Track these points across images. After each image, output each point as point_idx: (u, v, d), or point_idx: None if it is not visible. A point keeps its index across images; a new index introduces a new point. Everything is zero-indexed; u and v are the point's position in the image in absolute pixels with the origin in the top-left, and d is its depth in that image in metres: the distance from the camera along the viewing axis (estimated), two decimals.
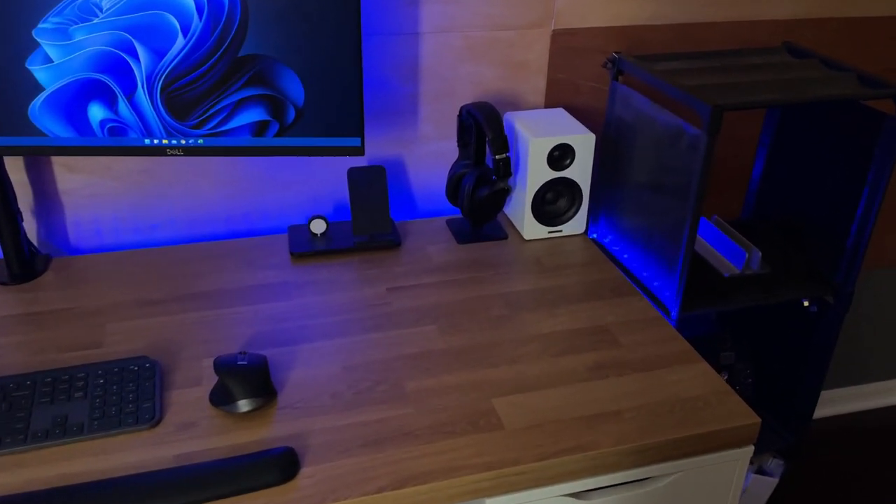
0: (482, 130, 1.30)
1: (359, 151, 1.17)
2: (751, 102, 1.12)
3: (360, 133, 1.16)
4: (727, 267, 1.36)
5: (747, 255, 1.34)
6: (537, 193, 1.35)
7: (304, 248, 1.33)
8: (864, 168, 1.25)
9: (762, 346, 1.56)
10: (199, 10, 1.03)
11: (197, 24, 1.04)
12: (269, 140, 1.14)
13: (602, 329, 1.16)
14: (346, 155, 1.16)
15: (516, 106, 1.49)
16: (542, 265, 1.32)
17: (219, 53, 1.06)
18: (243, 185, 1.41)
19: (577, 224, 1.41)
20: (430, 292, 1.23)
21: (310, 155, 1.15)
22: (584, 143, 1.33)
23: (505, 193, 1.36)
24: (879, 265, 1.89)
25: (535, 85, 1.48)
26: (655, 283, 1.30)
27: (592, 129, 1.52)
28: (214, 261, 1.30)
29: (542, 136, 1.31)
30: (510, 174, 1.31)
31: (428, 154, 1.49)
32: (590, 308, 1.21)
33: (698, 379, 1.05)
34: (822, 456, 2.00)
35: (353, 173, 1.34)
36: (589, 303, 1.22)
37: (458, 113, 1.40)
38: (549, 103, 1.50)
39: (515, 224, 1.43)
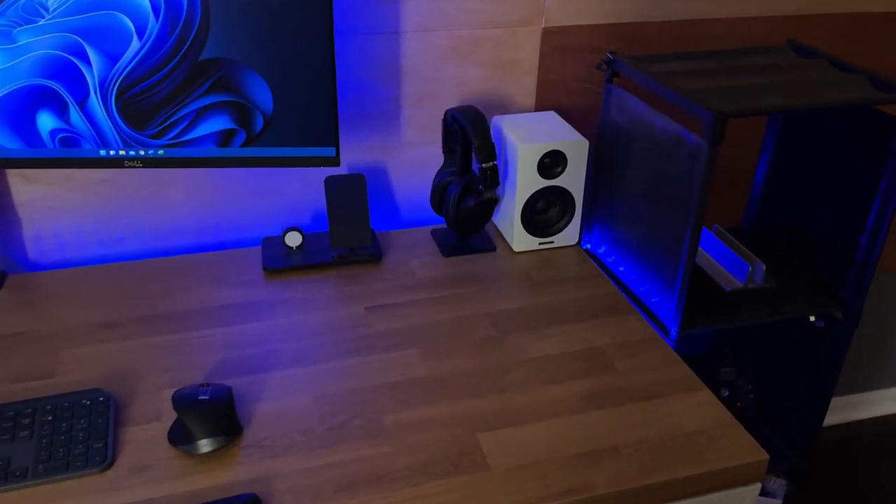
0: (468, 137, 1.21)
1: (334, 162, 1.09)
2: (756, 108, 1.04)
3: (335, 142, 1.07)
4: (729, 280, 1.28)
5: (750, 268, 1.26)
6: (527, 203, 1.27)
7: (278, 262, 1.24)
8: (876, 176, 1.17)
9: (764, 361, 1.49)
10: (156, 10, 0.94)
11: (153, 25, 0.95)
12: (235, 150, 1.05)
13: (596, 352, 1.08)
14: (320, 165, 1.08)
15: (505, 108, 1.40)
16: (533, 280, 1.24)
17: (178, 57, 0.97)
18: (214, 194, 1.32)
19: (569, 235, 1.32)
20: (412, 312, 1.15)
21: (280, 166, 1.07)
22: (576, 149, 1.24)
23: (493, 204, 1.27)
24: (884, 268, 1.82)
25: (525, 86, 1.39)
26: (653, 299, 1.22)
27: (586, 133, 1.44)
28: (182, 277, 1.21)
29: (532, 143, 1.22)
30: (498, 183, 1.22)
31: (412, 160, 1.40)
32: (583, 328, 1.12)
33: (701, 409, 0.97)
34: (826, 469, 1.92)
35: (331, 183, 1.25)
36: (582, 322, 1.14)
37: (442, 117, 1.31)
38: (540, 105, 1.41)
39: (504, 234, 1.35)
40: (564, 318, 1.14)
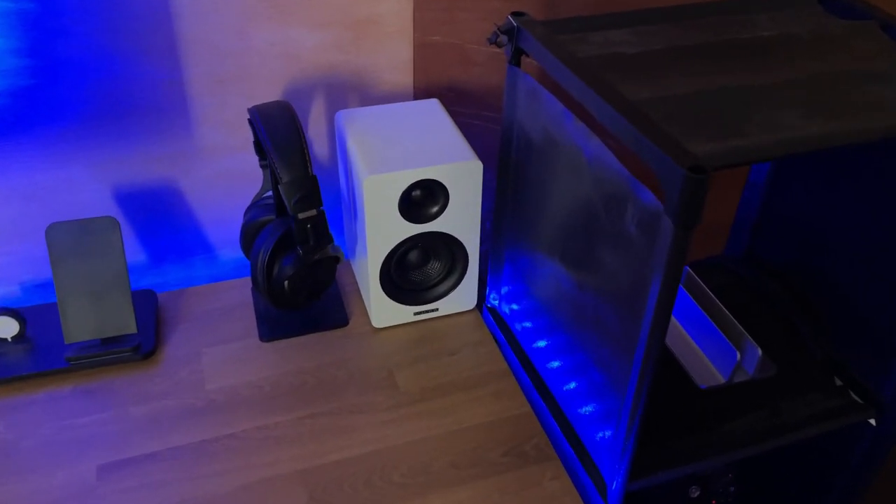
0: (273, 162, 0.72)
1: None
2: (763, 150, 0.55)
3: None
4: (705, 371, 0.83)
5: (738, 357, 0.80)
6: (389, 258, 0.79)
7: None
8: None
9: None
10: None
11: None
12: None
13: None
14: None
15: (366, 94, 0.90)
16: (396, 389, 0.77)
17: None
18: None
19: (461, 297, 0.85)
20: (175, 474, 0.68)
21: None
22: (464, 175, 0.76)
23: (331, 264, 0.79)
24: None
25: (395, 56, 0.88)
26: (583, 409, 0.76)
27: (493, 126, 0.94)
28: None
29: (386, 170, 0.73)
30: (327, 240, 0.74)
31: (220, 174, 0.90)
32: (468, 499, 0.67)
33: None
34: None
35: (57, 235, 0.76)
36: (468, 485, 0.68)
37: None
38: (423, 83, 0.91)
39: (363, 296, 0.87)
40: (438, 478, 0.69)
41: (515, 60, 0.73)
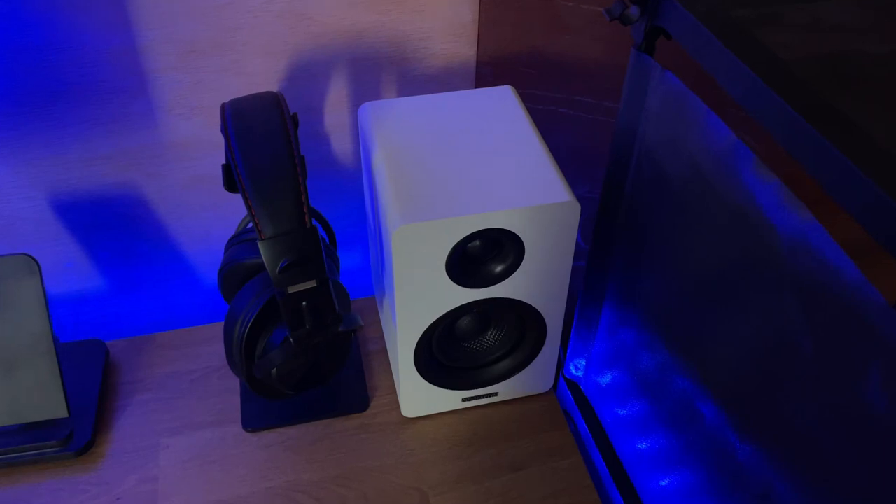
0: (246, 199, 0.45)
1: None
2: None
3: None
4: None
5: None
6: (429, 332, 0.52)
7: None
8: None
9: None
10: None
11: None
12: None
13: None
14: None
15: (406, 72, 0.62)
16: None
17: None
18: None
19: (532, 377, 0.59)
20: None
21: None
22: (549, 221, 0.48)
23: (342, 341, 0.53)
24: None
25: (453, 16, 0.60)
26: None
27: (586, 116, 0.65)
28: None
29: (430, 215, 0.46)
30: (335, 320, 0.48)
31: (198, 178, 0.64)
32: None
33: None
34: None
35: None
36: None
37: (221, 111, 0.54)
38: (489, 56, 0.63)
39: (392, 367, 0.62)
40: None
41: (647, 46, 0.44)
